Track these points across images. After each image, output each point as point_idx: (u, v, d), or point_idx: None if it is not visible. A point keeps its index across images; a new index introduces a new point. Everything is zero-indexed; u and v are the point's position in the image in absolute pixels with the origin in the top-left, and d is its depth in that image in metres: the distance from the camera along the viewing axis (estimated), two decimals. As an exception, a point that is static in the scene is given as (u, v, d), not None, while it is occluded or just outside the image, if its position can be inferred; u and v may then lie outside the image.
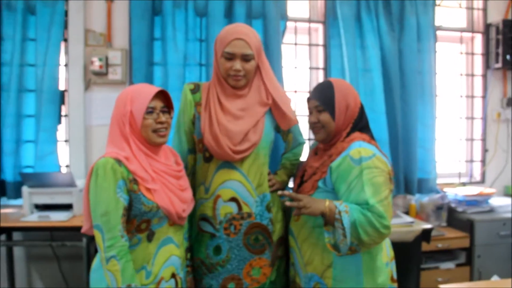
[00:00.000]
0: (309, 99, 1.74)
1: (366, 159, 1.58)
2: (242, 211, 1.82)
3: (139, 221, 1.50)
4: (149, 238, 1.53)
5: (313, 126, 1.73)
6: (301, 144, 2.05)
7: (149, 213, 1.50)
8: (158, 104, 1.54)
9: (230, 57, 1.76)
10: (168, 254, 1.57)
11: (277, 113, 1.90)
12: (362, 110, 1.74)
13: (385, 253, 1.70)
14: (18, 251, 2.92)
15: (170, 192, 1.56)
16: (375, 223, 1.50)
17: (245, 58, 1.77)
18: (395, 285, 1.70)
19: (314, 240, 1.68)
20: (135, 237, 1.51)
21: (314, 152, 1.84)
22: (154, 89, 1.54)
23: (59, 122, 2.85)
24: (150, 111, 1.52)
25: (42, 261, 2.95)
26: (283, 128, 1.91)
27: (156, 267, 1.53)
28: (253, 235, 1.85)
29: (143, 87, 1.56)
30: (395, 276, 1.71)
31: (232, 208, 1.82)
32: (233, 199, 1.82)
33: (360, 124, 1.71)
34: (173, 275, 1.59)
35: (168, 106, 1.59)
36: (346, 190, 1.57)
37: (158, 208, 1.51)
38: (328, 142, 1.72)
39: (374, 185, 1.55)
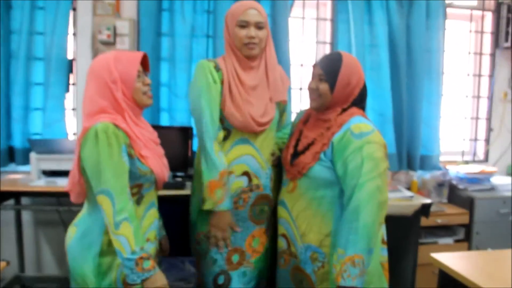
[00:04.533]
0: (315, 65, 1.72)
1: (366, 134, 1.57)
2: (252, 183, 1.85)
3: (131, 185, 1.50)
4: (138, 202, 1.54)
5: (311, 92, 1.72)
6: (290, 123, 2.05)
7: (143, 177, 1.52)
8: (140, 67, 1.55)
9: (245, 24, 1.80)
10: (153, 217, 1.60)
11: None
12: (363, 91, 1.70)
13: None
14: (26, 216, 2.99)
15: (158, 158, 1.59)
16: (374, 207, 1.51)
17: (258, 26, 1.81)
18: (385, 246, 1.72)
19: (312, 211, 1.67)
20: None
21: (304, 120, 1.82)
22: (138, 53, 1.54)
23: (67, 90, 2.87)
24: (138, 75, 1.53)
25: (49, 226, 3.01)
26: (271, 100, 1.89)
27: (143, 230, 1.54)
28: (259, 206, 1.88)
29: (122, 53, 1.54)
30: (385, 239, 1.73)
31: (243, 182, 1.84)
32: (245, 173, 1.84)
33: (358, 105, 1.69)
34: (155, 237, 1.62)
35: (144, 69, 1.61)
36: (343, 164, 1.57)
37: (152, 173, 1.53)
38: (320, 111, 1.71)
39: (374, 159, 1.54)
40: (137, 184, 1.52)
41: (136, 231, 1.42)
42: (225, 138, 1.85)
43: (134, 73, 1.50)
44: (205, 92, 1.81)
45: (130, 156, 1.48)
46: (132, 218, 1.42)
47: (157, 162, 1.57)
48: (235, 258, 1.86)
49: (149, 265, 1.42)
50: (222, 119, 1.83)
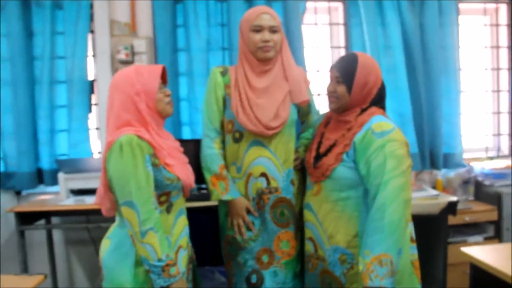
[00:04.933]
0: (331, 68, 1.72)
1: (388, 132, 1.57)
2: (270, 185, 1.88)
3: (159, 193, 1.53)
4: (168, 210, 1.57)
5: (329, 94, 1.73)
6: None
7: (170, 185, 1.54)
8: (159, 79, 1.59)
9: (259, 29, 1.83)
10: (183, 224, 1.63)
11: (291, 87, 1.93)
12: (381, 90, 1.69)
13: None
14: (57, 235, 3.05)
15: (183, 165, 1.62)
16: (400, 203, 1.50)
17: (272, 29, 1.84)
18: (415, 244, 1.70)
19: (337, 213, 1.66)
20: None
21: (325, 123, 1.83)
22: (157, 66, 1.58)
23: (90, 111, 2.94)
24: (159, 86, 1.57)
25: (80, 243, 3.07)
26: (292, 100, 1.91)
27: (175, 237, 1.57)
28: (278, 209, 1.90)
29: (142, 67, 1.57)
30: (414, 237, 1.71)
31: (262, 183, 1.88)
32: (263, 175, 1.88)
33: (377, 104, 1.68)
34: (187, 244, 1.65)
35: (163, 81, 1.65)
36: (365, 163, 1.57)
37: (178, 180, 1.56)
38: (339, 112, 1.71)
39: (397, 157, 1.53)
40: (165, 192, 1.55)
41: (162, 240, 1.45)
42: (239, 139, 1.89)
43: (156, 84, 1.54)
44: (207, 96, 1.93)
45: (155, 165, 1.50)
46: (158, 228, 1.45)
47: (182, 169, 1.60)
48: (265, 258, 1.89)
49: (175, 271, 1.47)
50: (234, 120, 1.88)
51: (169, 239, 1.55)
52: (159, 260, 1.43)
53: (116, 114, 1.52)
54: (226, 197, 1.87)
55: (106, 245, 1.59)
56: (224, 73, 1.93)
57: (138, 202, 1.43)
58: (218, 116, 1.92)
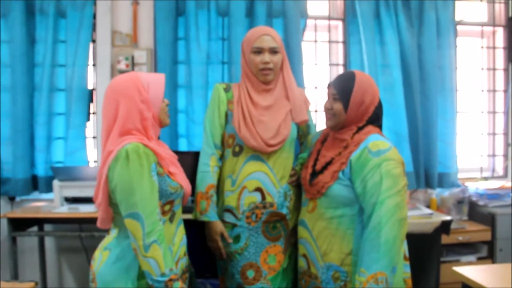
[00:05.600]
0: (329, 85, 1.74)
1: (384, 151, 1.58)
2: (265, 200, 1.88)
3: (164, 202, 1.51)
4: (171, 219, 1.56)
5: (326, 111, 1.74)
6: None
7: (174, 194, 1.52)
8: None
9: (259, 50, 1.87)
10: (182, 233, 1.62)
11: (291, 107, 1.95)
12: (378, 109, 1.70)
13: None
14: (49, 242, 3.03)
15: (183, 174, 1.62)
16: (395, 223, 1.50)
17: (273, 51, 1.87)
18: (408, 262, 1.71)
19: (332, 230, 1.66)
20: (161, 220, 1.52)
21: (322, 140, 1.83)
22: (160, 75, 1.57)
23: (88, 119, 2.94)
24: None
25: (72, 252, 3.05)
26: (293, 119, 1.94)
27: (176, 246, 1.56)
28: (271, 223, 1.91)
29: (147, 75, 1.55)
30: (407, 255, 1.71)
31: (256, 197, 1.88)
32: (258, 189, 1.88)
33: (374, 123, 1.69)
34: (185, 253, 1.63)
35: None
36: (361, 182, 1.57)
37: (181, 188, 1.55)
38: (336, 130, 1.72)
39: (392, 176, 1.55)
40: (169, 201, 1.53)
41: (165, 253, 1.41)
42: (238, 153, 1.91)
43: (162, 93, 1.53)
44: (210, 111, 1.96)
45: (159, 174, 1.49)
46: (161, 240, 1.41)
47: (183, 178, 1.59)
48: (250, 273, 1.88)
49: (178, 286, 1.41)
50: (234, 135, 1.90)
51: (171, 249, 1.53)
52: (162, 275, 1.39)
53: (121, 121, 1.47)
54: (202, 217, 1.88)
55: (104, 256, 1.51)
56: (227, 90, 1.97)
57: (144, 214, 1.39)
58: (220, 131, 1.95)
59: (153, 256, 1.39)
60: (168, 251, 1.44)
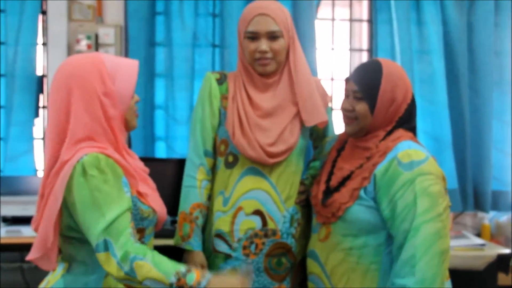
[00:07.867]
0: (347, 80, 1.73)
1: (418, 163, 1.58)
2: (267, 227, 1.87)
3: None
4: None
5: (345, 113, 1.72)
6: None
7: (146, 220, 1.50)
8: None
9: (254, 36, 1.82)
10: None
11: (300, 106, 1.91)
12: (411, 107, 1.71)
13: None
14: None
15: (154, 193, 1.58)
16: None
17: (272, 36, 1.82)
18: None
19: (351, 264, 1.67)
20: None
21: (339, 148, 1.83)
22: (133, 61, 1.52)
23: (36, 115, 2.94)
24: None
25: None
26: (306, 123, 1.90)
27: None
28: (275, 257, 1.88)
29: (117, 59, 1.51)
30: None
31: (255, 222, 1.87)
32: (257, 212, 1.87)
33: (406, 125, 1.70)
34: None
35: None
36: (390, 203, 1.57)
37: (154, 213, 1.52)
38: (358, 137, 1.71)
39: (430, 195, 1.55)
40: (139, 229, 1.48)
41: (156, 261, 1.36)
42: (232, 164, 1.90)
43: (133, 85, 1.48)
44: (199, 108, 1.95)
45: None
46: (140, 250, 1.35)
47: (156, 199, 1.56)
48: None
49: (194, 279, 1.36)
50: (227, 141, 1.88)
51: None
52: (170, 284, 1.34)
53: (77, 119, 1.40)
54: (185, 245, 1.89)
55: None
56: (221, 81, 1.95)
57: (112, 238, 1.34)
58: (212, 134, 1.95)
59: (145, 276, 1.33)
60: (160, 256, 1.38)
